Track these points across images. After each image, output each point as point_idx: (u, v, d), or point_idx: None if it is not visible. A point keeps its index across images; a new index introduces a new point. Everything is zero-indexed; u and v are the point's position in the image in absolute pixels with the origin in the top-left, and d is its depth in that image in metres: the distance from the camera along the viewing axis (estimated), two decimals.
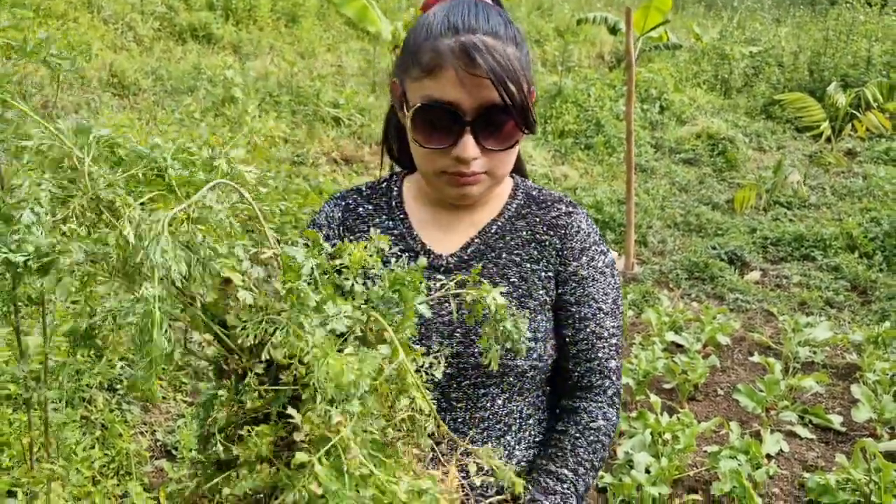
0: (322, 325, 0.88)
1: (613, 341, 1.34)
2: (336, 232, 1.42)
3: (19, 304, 1.92)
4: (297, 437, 0.82)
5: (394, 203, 1.41)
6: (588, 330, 1.32)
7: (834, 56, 10.74)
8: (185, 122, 4.91)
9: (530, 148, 7.46)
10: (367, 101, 7.12)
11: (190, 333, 0.97)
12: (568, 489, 1.27)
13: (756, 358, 3.87)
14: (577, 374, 1.33)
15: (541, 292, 1.31)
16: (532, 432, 1.35)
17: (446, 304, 1.25)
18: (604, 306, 1.33)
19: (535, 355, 1.29)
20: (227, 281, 0.89)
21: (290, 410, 0.84)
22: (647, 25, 7.14)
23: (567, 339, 1.32)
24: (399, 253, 1.36)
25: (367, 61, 8.76)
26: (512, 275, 1.31)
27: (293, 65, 7.25)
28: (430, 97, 1.20)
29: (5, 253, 0.78)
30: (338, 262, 0.99)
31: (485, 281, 1.04)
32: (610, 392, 1.34)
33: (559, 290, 1.33)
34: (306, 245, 0.93)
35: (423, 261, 1.04)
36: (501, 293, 1.29)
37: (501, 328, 1.04)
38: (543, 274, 1.32)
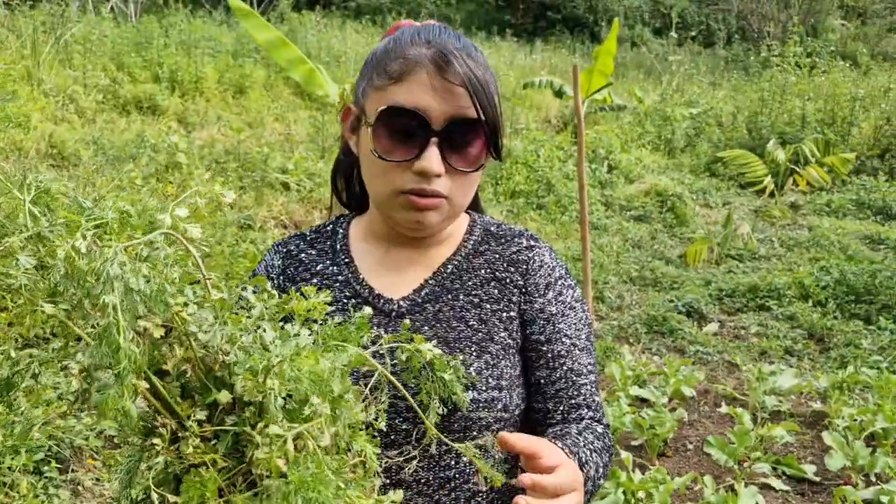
0: (284, 343, 0.83)
1: (592, 378, 1.23)
2: (277, 282, 1.30)
3: None
4: (258, 453, 0.76)
5: (338, 246, 1.30)
6: (565, 368, 1.20)
7: (770, 115, 11.12)
8: (127, 189, 4.74)
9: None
10: (317, 167, 7.04)
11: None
12: (576, 448, 1.09)
13: (724, 409, 3.77)
14: (560, 411, 1.19)
15: (503, 335, 1.19)
16: None
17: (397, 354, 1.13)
18: (577, 342, 1.22)
19: (499, 405, 1.16)
20: (168, 330, 0.83)
21: (250, 431, 0.78)
22: (591, 88, 7.23)
23: (542, 381, 1.20)
24: (344, 300, 1.23)
25: (316, 128, 8.73)
26: (470, 317, 1.19)
27: (240, 132, 7.16)
28: (397, 102, 1.10)
29: None
30: (282, 308, 0.91)
31: (418, 335, 0.98)
32: (604, 422, 1.21)
33: (527, 331, 1.21)
34: (254, 292, 0.89)
35: (367, 311, 0.95)
36: (461, 337, 1.19)
37: (439, 380, 0.99)
38: (505, 315, 1.20)
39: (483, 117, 1.10)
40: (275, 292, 0.92)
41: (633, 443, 3.63)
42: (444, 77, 1.09)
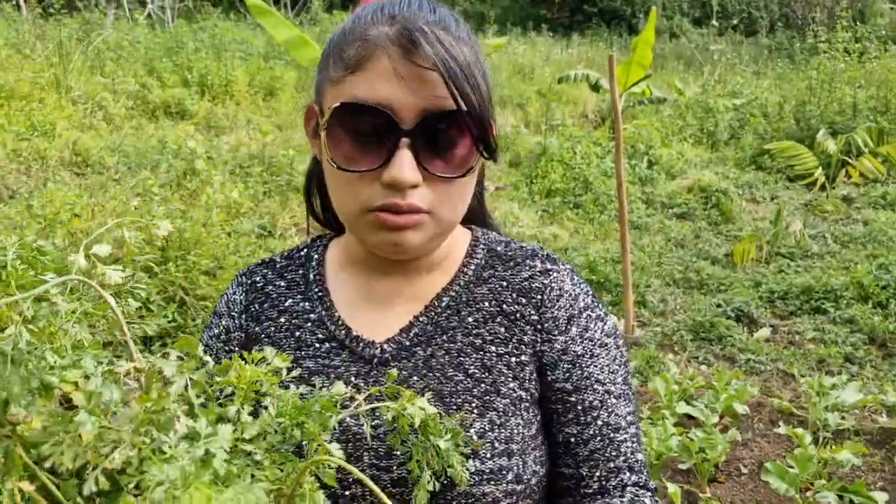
0: (188, 450, 0.61)
1: (633, 430, 1.01)
2: (238, 322, 1.07)
3: None
4: None
5: (311, 276, 1.07)
6: (599, 423, 0.98)
7: (819, 104, 10.61)
8: (145, 197, 4.57)
9: (517, 209, 7.14)
10: None
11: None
12: None
13: (782, 429, 3.43)
14: (597, 477, 0.98)
15: (511, 385, 0.96)
16: None
17: (379, 412, 0.89)
18: (613, 388, 1.00)
19: (509, 476, 0.92)
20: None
21: None
22: (629, 81, 6.93)
23: (573, 441, 0.98)
24: (317, 343, 1.00)
25: None
26: (470, 364, 0.97)
27: (266, 134, 6.99)
28: (355, 97, 0.86)
29: None
30: (219, 380, 0.72)
31: (406, 390, 0.78)
32: (651, 486, 0.99)
33: (548, 377, 0.98)
34: (180, 358, 0.68)
35: (338, 388, 0.77)
36: (458, 389, 0.96)
37: (433, 448, 0.80)
38: (514, 360, 0.97)
39: (464, 107, 0.84)
40: (208, 359, 0.70)
41: (681, 466, 3.32)
42: (412, 60, 0.85)
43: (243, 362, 0.75)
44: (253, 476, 0.67)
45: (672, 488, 2.76)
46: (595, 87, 8.74)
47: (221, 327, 1.08)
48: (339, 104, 0.87)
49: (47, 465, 0.62)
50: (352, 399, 1.03)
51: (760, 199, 8.69)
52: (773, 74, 14.80)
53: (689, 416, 3.69)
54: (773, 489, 2.98)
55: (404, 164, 0.85)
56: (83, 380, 0.64)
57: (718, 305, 5.50)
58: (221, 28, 12.07)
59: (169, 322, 3.19)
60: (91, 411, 0.62)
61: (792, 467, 3.03)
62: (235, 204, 4.39)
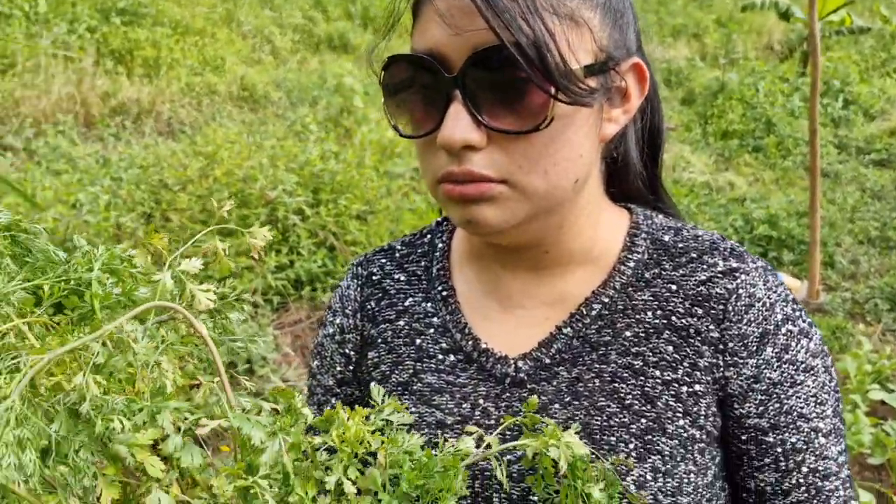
0: None
1: (845, 474, 0.82)
2: (353, 322, 0.94)
3: None
4: None
5: (435, 270, 0.90)
6: (805, 469, 0.79)
7: None
8: (304, 134, 4.57)
9: (688, 151, 6.60)
10: None
11: None
12: None
13: None
14: None
15: (682, 423, 0.78)
16: None
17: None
18: (821, 425, 0.80)
19: None
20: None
21: None
22: (826, 8, 6.14)
23: (769, 490, 0.80)
24: (440, 355, 0.86)
25: None
26: (628, 392, 0.79)
27: None
28: (413, 49, 0.74)
29: None
30: (319, 440, 0.58)
31: (548, 421, 0.65)
32: None
33: (736, 411, 0.79)
34: (275, 411, 0.57)
35: (466, 444, 0.63)
36: (612, 424, 0.80)
37: (582, 497, 0.66)
38: (686, 390, 0.78)
39: (507, 37, 0.65)
40: (306, 411, 0.57)
41: (871, 461, 2.91)
42: None
43: (346, 416, 0.60)
44: None
45: (865, 497, 2.39)
46: (784, 16, 7.85)
47: (336, 326, 0.96)
48: (385, 61, 0.74)
49: None
50: (480, 426, 0.85)
51: None
52: None
53: (883, 402, 3.23)
54: None
55: (450, 122, 0.69)
56: (161, 442, 0.52)
57: None
58: None
59: (319, 267, 3.15)
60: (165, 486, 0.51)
61: None
62: (390, 144, 4.28)
